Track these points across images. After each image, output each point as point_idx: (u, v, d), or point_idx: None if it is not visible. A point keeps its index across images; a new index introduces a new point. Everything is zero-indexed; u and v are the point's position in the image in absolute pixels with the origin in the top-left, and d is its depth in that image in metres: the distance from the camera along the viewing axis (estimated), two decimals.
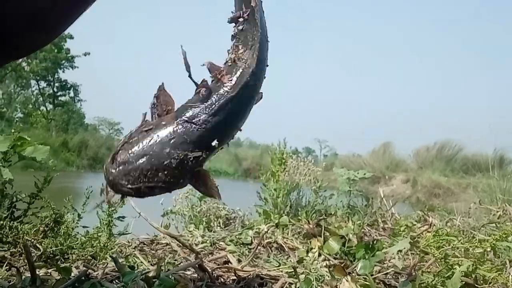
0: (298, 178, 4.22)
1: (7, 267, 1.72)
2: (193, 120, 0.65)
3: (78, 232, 2.06)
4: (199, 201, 4.02)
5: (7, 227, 1.78)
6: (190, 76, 0.76)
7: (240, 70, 0.75)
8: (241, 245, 2.79)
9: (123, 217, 2.01)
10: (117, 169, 0.60)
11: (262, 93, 0.83)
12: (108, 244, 1.85)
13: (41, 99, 43.38)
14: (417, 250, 2.34)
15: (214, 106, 0.68)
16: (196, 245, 2.78)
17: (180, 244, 2.16)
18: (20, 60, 41.13)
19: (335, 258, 2.37)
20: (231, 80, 0.73)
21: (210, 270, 1.80)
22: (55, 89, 43.30)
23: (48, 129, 36.86)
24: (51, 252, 1.83)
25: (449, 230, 2.82)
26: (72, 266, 1.75)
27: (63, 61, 41.76)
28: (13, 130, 2.31)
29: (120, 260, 1.94)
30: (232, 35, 0.81)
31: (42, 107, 42.91)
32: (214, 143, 0.68)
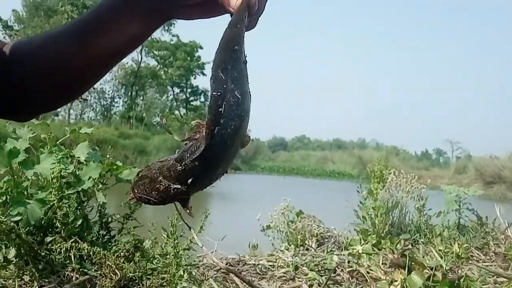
0: (400, 196, 4.04)
1: None
2: (178, 161, 0.82)
3: (157, 256, 2.19)
4: (297, 217, 4.03)
5: (92, 252, 1.96)
6: (169, 133, 0.94)
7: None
8: (326, 271, 2.76)
9: (188, 248, 2.11)
10: (136, 182, 0.85)
11: (249, 136, 0.89)
12: (180, 272, 1.95)
13: (175, 104, 46.66)
14: None
15: (191, 153, 0.82)
16: (282, 267, 2.81)
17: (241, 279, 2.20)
18: (158, 68, 44.66)
19: None
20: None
21: None
22: (187, 95, 46.31)
23: (181, 132, 39.40)
24: (130, 277, 1.98)
25: None
26: None
27: (195, 69, 44.48)
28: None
29: None
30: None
31: (176, 112, 46.15)
32: (189, 181, 0.82)
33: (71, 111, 40.56)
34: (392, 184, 3.98)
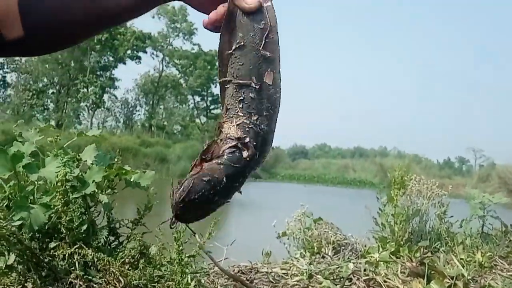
0: (421, 202, 3.89)
1: None
2: None
3: (165, 262, 2.12)
4: (314, 223, 3.92)
5: (96, 258, 1.89)
6: None
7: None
8: (341, 279, 2.65)
9: (194, 256, 2.02)
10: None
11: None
12: (187, 279, 1.87)
13: (196, 112, 46.97)
14: None
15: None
16: (296, 275, 2.71)
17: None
18: (179, 77, 45.13)
19: None
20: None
21: None
22: (208, 103, 46.58)
23: (202, 140, 39.52)
24: (135, 285, 1.90)
25: None
26: None
27: (215, 77, 44.71)
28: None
29: None
30: (240, 100, 0.84)
31: (197, 120, 46.48)
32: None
33: (94, 119, 41.09)
34: (413, 190, 3.84)
